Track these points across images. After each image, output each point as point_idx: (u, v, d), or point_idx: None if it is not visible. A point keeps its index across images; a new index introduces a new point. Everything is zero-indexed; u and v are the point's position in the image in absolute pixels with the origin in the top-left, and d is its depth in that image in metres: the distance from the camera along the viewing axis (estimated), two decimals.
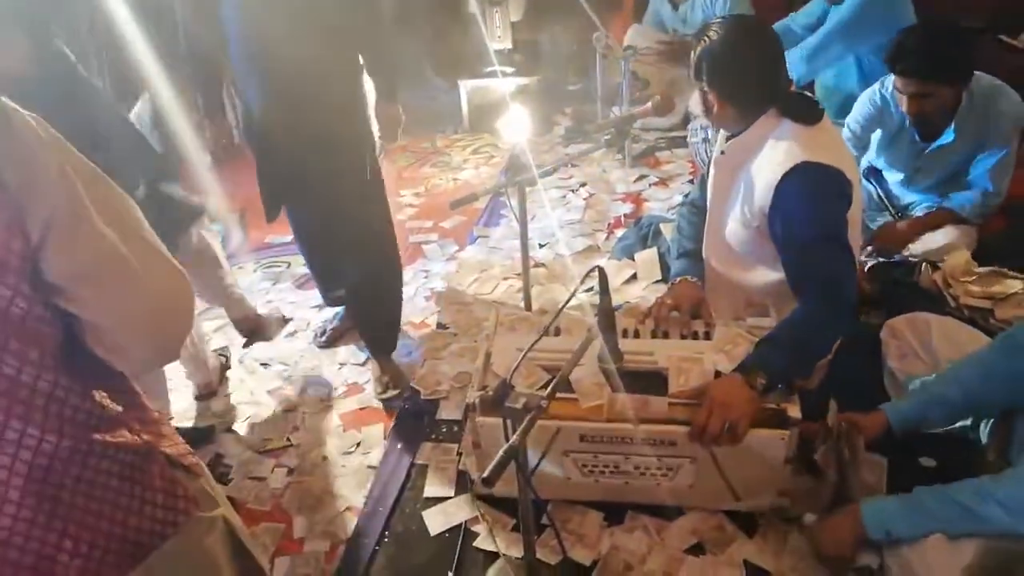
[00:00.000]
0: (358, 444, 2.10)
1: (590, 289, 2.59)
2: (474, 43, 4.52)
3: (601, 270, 1.58)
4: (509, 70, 4.51)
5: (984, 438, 1.72)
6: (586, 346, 1.55)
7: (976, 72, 2.30)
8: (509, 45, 4.42)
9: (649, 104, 2.04)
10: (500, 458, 1.32)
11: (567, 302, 1.56)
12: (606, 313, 1.63)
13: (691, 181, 3.32)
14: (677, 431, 1.61)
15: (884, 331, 2.10)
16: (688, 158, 3.51)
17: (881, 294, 2.26)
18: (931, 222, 2.41)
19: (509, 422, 1.37)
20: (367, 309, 2.36)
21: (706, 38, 1.71)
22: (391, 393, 2.27)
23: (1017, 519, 1.34)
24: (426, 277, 2.95)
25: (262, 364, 2.49)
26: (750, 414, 1.55)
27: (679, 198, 3.21)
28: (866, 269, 2.36)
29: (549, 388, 1.43)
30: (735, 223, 1.87)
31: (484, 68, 4.49)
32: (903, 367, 1.98)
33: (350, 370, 2.42)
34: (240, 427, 2.22)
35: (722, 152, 1.88)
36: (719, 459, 1.64)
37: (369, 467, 2.01)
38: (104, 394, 0.89)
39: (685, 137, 3.53)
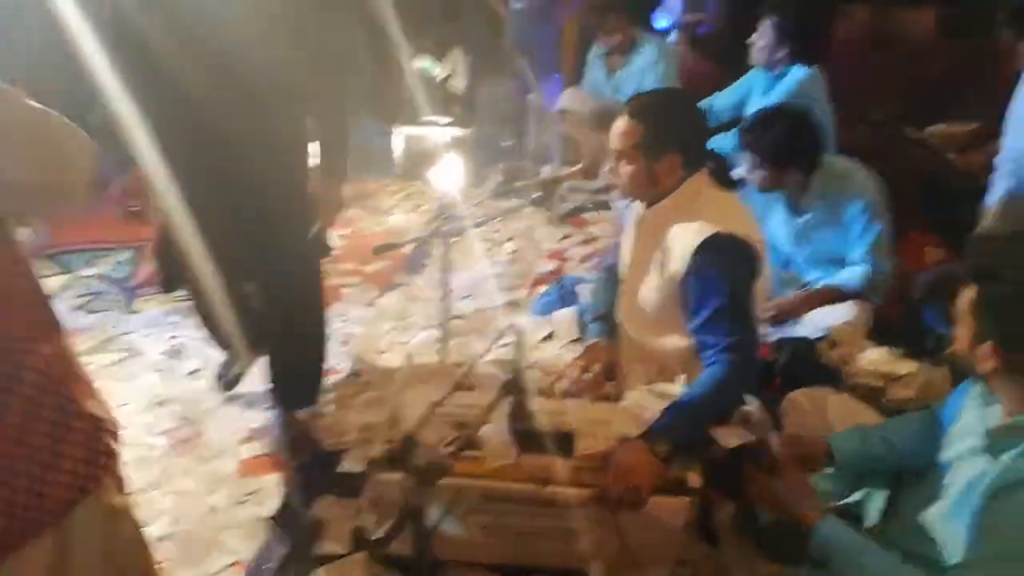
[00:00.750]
0: (252, 493, 2.00)
1: (507, 345, 2.61)
2: (412, 90, 4.55)
3: (517, 328, 1.58)
4: (446, 120, 4.56)
5: (871, 510, 1.76)
6: (495, 404, 1.54)
7: (831, 156, 2.54)
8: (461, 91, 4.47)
9: (577, 167, 2.08)
10: (397, 519, 1.28)
11: (482, 357, 1.54)
12: (518, 372, 1.62)
13: (615, 243, 3.38)
14: (581, 495, 1.59)
15: (784, 404, 2.16)
16: (614, 220, 3.58)
17: (784, 367, 2.33)
18: (818, 298, 2.53)
19: (412, 480, 1.33)
20: (287, 359, 2.23)
21: (643, 104, 1.79)
22: (293, 453, 2.14)
23: None
24: (343, 322, 2.89)
25: (158, 403, 2.37)
26: (652, 480, 1.55)
27: (602, 259, 3.26)
28: (771, 341, 2.43)
29: (455, 446, 1.41)
30: (650, 288, 1.91)
31: (421, 116, 4.53)
32: None
33: (253, 414, 2.32)
34: (127, 468, 2.08)
35: (641, 218, 1.92)
36: (621, 524, 1.63)
37: (262, 519, 1.91)
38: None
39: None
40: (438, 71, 4.65)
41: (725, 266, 1.74)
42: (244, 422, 2.29)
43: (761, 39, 2.90)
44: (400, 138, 4.60)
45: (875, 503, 1.74)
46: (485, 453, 1.64)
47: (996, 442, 1.32)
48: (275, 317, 2.13)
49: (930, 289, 2.72)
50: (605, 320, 2.05)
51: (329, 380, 2.48)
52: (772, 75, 2.94)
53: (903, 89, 4.62)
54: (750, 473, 1.57)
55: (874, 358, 2.23)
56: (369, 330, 2.75)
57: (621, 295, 2.03)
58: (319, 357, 2.29)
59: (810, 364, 2.30)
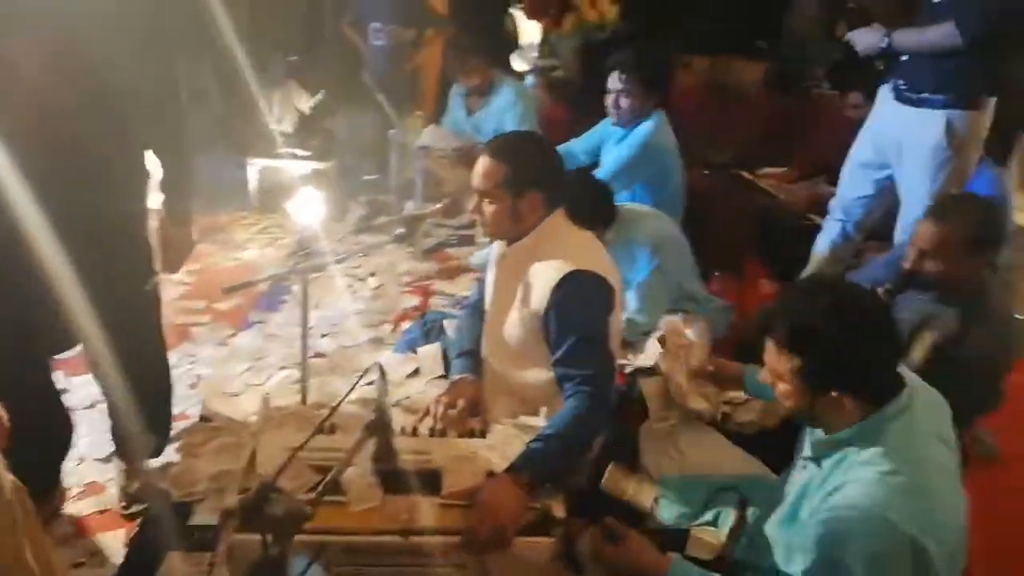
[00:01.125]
0: (92, 555, 1.84)
1: (372, 383, 2.56)
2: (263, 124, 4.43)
3: (380, 367, 1.56)
4: (303, 153, 4.46)
5: (724, 526, 1.87)
6: (359, 446, 1.50)
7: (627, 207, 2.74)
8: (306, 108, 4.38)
9: (439, 205, 2.10)
10: (261, 565, 1.22)
11: (343, 399, 1.51)
12: (383, 411, 1.59)
13: (477, 279, 3.42)
14: (447, 542, 1.58)
15: (641, 433, 2.27)
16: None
17: (640, 397, 2.44)
18: None
19: (269, 532, 1.27)
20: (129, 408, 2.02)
21: (503, 145, 1.86)
22: (138, 508, 2.00)
23: None
24: (192, 363, 2.73)
25: None
26: (517, 515, 1.57)
27: (466, 295, 3.29)
28: (625, 372, 2.54)
29: (316, 492, 1.36)
30: (512, 324, 1.95)
31: (277, 148, 4.40)
32: (657, 465, 2.14)
33: (89, 466, 2.13)
34: None
35: (503, 255, 1.96)
36: (488, 566, 1.63)
37: None
38: None
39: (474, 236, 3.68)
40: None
41: (583, 302, 1.81)
42: (79, 476, 2.10)
43: (611, 98, 3.06)
44: (255, 170, 4.45)
45: (725, 520, 1.85)
46: (349, 497, 1.59)
47: (819, 453, 1.44)
48: (111, 374, 1.94)
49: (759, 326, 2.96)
50: (470, 355, 2.07)
51: (177, 426, 2.33)
52: (623, 128, 3.13)
53: (736, 136, 5.04)
54: (596, 547, 1.60)
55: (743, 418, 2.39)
56: (221, 371, 2.62)
57: (485, 330, 2.05)
58: (164, 404, 2.14)
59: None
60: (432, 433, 1.83)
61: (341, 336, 2.86)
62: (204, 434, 2.24)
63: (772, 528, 1.58)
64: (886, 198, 2.81)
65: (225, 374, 2.60)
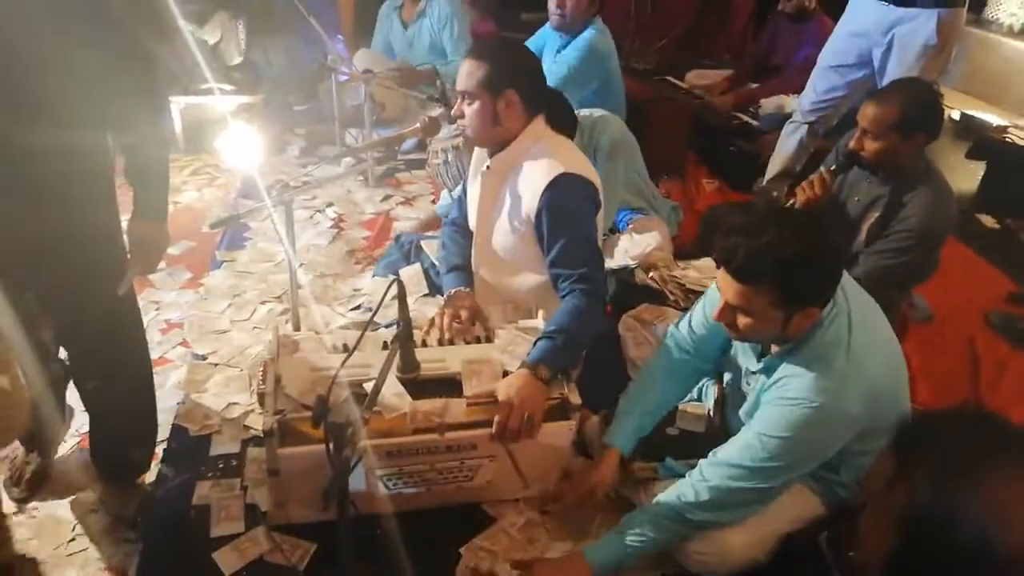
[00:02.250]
0: None
1: (357, 307, 2.62)
2: (185, 58, 4.22)
3: (400, 282, 1.63)
4: (228, 88, 4.29)
5: (707, 401, 2.07)
6: (392, 357, 1.59)
7: (584, 112, 2.80)
8: (234, 62, 4.22)
9: (418, 124, 2.13)
10: (338, 471, 1.31)
11: (373, 316, 1.59)
12: (405, 323, 1.68)
13: (433, 201, 3.47)
14: (478, 435, 1.71)
15: (620, 326, 2.44)
16: (428, 179, 3.65)
17: (614, 296, 2.60)
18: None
19: (331, 440, 1.36)
20: (114, 432, 1.87)
21: (483, 46, 1.91)
22: (128, 539, 1.80)
23: (718, 517, 1.59)
24: (158, 309, 2.71)
25: None
26: (543, 405, 1.71)
27: (425, 216, 3.34)
28: None
29: (367, 400, 1.46)
30: (502, 232, 2.04)
31: (199, 85, 4.22)
32: (640, 354, 2.33)
33: None
34: None
35: (487, 167, 2.03)
36: (515, 454, 1.77)
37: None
38: None
39: (423, 159, 3.68)
40: (208, 36, 4.36)
41: (572, 203, 1.92)
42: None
43: (554, 1, 3.09)
44: (177, 110, 4.26)
45: (709, 395, 2.06)
46: (381, 407, 1.69)
47: (771, 364, 1.61)
48: (92, 387, 1.79)
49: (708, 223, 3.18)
50: (460, 270, 2.16)
51: (159, 371, 2.34)
52: (565, 35, 3.16)
53: (660, 42, 5.14)
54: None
55: (687, 274, 2.58)
56: (200, 312, 2.61)
57: (475, 243, 2.14)
58: (150, 419, 1.94)
59: (635, 288, 2.60)
60: (441, 343, 1.93)
61: (315, 266, 2.88)
62: (203, 371, 2.28)
63: (743, 417, 1.74)
64: (857, 95, 2.98)
65: (206, 314, 2.59)
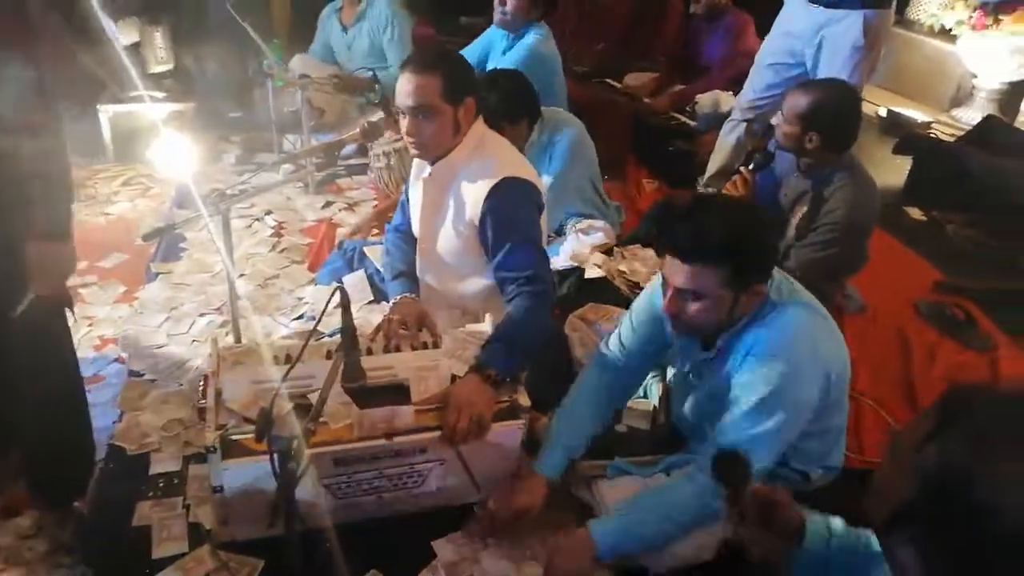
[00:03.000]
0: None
1: (300, 317, 2.57)
2: (113, 64, 4.09)
3: (343, 290, 1.61)
4: (159, 95, 4.18)
5: (652, 398, 2.10)
6: (338, 366, 1.56)
7: (546, 109, 2.81)
8: (170, 66, 4.10)
9: (358, 129, 2.10)
10: (284, 485, 1.29)
11: (315, 328, 1.56)
12: (350, 332, 1.65)
13: (376, 207, 3.43)
14: (427, 438, 1.69)
15: (566, 326, 2.46)
16: (370, 184, 3.61)
17: (562, 298, 2.62)
18: None
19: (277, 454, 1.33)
20: (43, 444, 1.76)
21: (428, 57, 1.87)
22: (65, 564, 1.72)
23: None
24: (90, 325, 2.62)
25: None
26: (491, 407, 1.71)
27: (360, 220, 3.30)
28: None
29: (312, 411, 1.43)
30: (446, 237, 2.03)
31: (128, 92, 4.09)
32: (586, 354, 2.34)
33: None
34: None
35: (429, 175, 2.02)
36: (465, 456, 1.76)
37: None
38: None
39: (364, 164, 3.64)
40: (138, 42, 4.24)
41: (516, 207, 1.92)
42: None
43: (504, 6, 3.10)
44: (105, 118, 4.12)
45: (654, 392, 2.09)
46: (327, 417, 1.66)
47: (725, 344, 1.64)
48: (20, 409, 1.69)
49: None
50: (406, 276, 2.14)
51: (92, 388, 2.26)
52: (510, 36, 3.18)
53: (598, 45, 5.20)
54: None
55: (635, 267, 2.62)
56: (137, 326, 2.53)
57: (419, 250, 2.12)
58: (84, 439, 1.86)
59: (581, 289, 2.62)
60: (387, 350, 1.91)
61: (255, 276, 2.81)
62: (140, 388, 2.21)
63: (689, 413, 1.79)
64: None
65: (143, 328, 2.51)
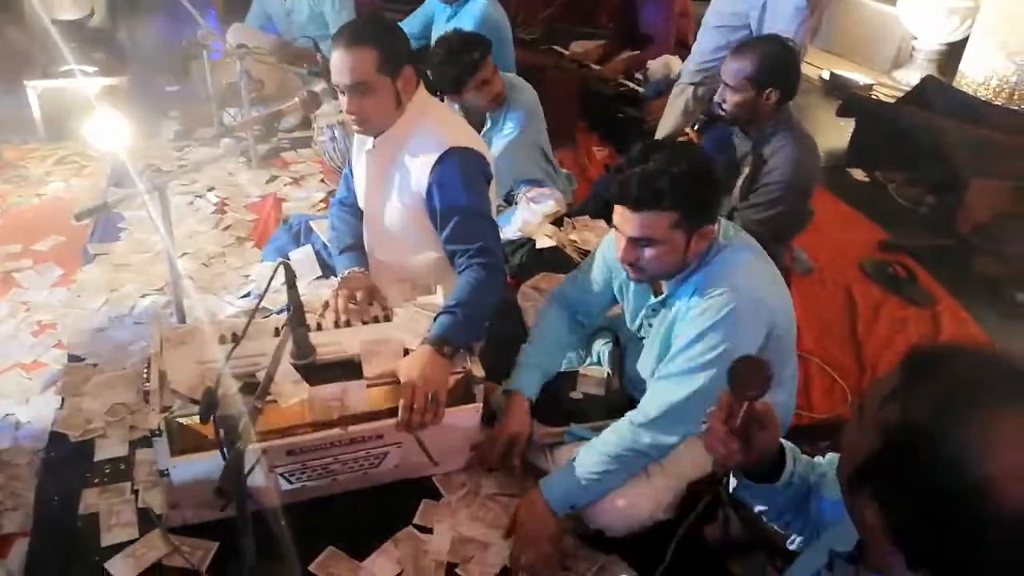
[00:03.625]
0: None
1: (247, 295, 2.51)
2: (38, 37, 3.90)
3: (287, 266, 1.57)
4: (90, 69, 3.99)
5: (605, 364, 2.11)
6: (285, 343, 1.53)
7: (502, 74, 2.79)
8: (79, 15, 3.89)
9: (296, 99, 2.04)
10: (229, 465, 1.26)
11: (258, 305, 1.52)
12: (296, 308, 1.61)
13: (323, 180, 3.36)
14: (384, 425, 1.67)
15: (519, 296, 2.45)
16: (315, 158, 3.53)
17: (517, 267, 2.61)
18: None
19: (222, 435, 1.29)
20: None
21: (361, 30, 1.81)
22: None
23: (669, 433, 1.62)
24: (27, 311, 2.52)
25: None
26: (446, 380, 1.70)
27: (316, 195, 3.22)
28: None
29: (259, 389, 1.39)
30: (393, 211, 2.00)
31: (57, 67, 3.90)
32: None
33: None
34: None
35: (373, 147, 1.97)
36: (422, 438, 1.75)
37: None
38: None
39: (308, 137, 3.55)
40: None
41: (463, 178, 1.88)
42: None
43: None
44: (34, 95, 3.93)
45: (606, 358, 2.09)
46: (276, 395, 1.62)
47: (672, 292, 1.67)
48: None
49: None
50: (353, 249, 2.10)
51: (36, 374, 2.18)
52: (453, 4, 3.11)
53: (545, 11, 5.15)
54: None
55: (585, 236, 2.63)
56: (75, 309, 2.44)
57: (366, 223, 2.08)
58: None
59: (533, 259, 2.61)
60: (337, 326, 1.87)
61: (199, 255, 2.73)
62: (82, 373, 2.14)
63: (644, 369, 1.79)
64: None
65: (80, 311, 2.42)
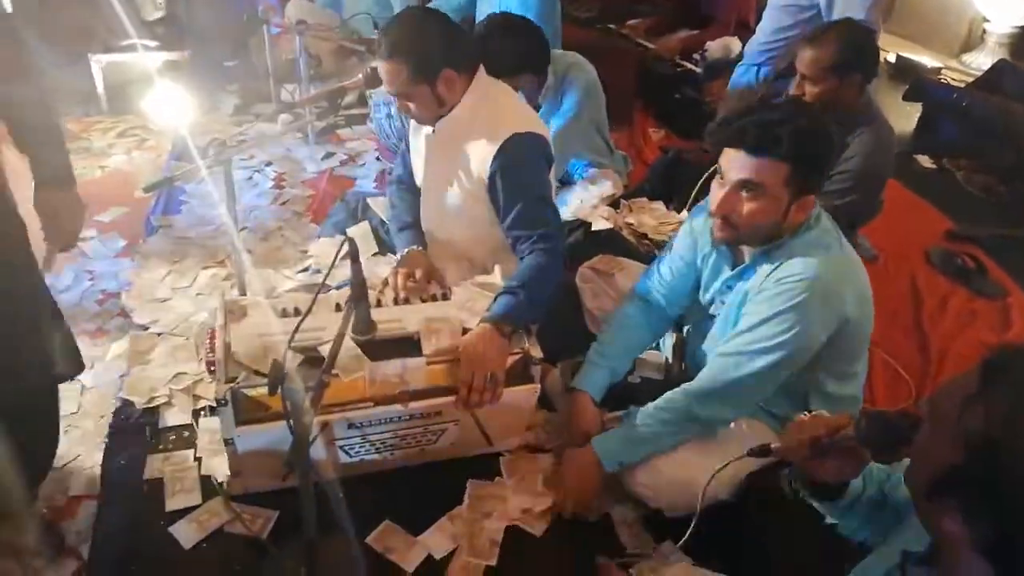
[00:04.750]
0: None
1: (305, 269, 2.54)
2: (103, 12, 3.97)
3: (351, 240, 1.57)
4: (152, 44, 4.06)
5: (666, 350, 2.09)
6: (348, 318, 1.54)
7: (559, 52, 2.76)
8: (161, 13, 3.98)
9: (360, 76, 2.04)
10: (298, 437, 1.27)
11: (323, 281, 1.53)
12: (359, 284, 1.62)
13: (378, 158, 3.37)
14: (443, 402, 1.68)
15: (577, 278, 2.43)
16: (369, 135, 3.54)
17: (571, 247, 2.58)
18: None
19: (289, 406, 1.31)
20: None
21: (395, 42, 1.78)
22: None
23: (721, 408, 1.63)
24: (92, 280, 2.58)
25: None
26: (504, 360, 1.69)
27: (372, 173, 3.24)
28: None
29: (325, 363, 1.41)
30: (453, 194, 1.99)
31: (119, 41, 3.98)
32: (597, 305, 2.32)
33: None
34: None
35: (433, 132, 1.96)
36: (479, 416, 1.75)
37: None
38: None
39: (364, 114, 3.56)
40: None
41: (527, 164, 1.87)
42: None
43: None
44: (97, 68, 4.02)
45: (667, 343, 2.07)
46: (338, 370, 1.64)
47: (757, 260, 1.63)
48: None
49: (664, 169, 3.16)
50: (411, 228, 2.10)
51: (98, 343, 2.24)
52: None
53: None
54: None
55: (642, 219, 2.59)
56: (140, 280, 2.49)
57: (424, 204, 2.08)
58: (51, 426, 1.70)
59: (591, 240, 2.58)
60: (396, 303, 1.88)
61: (258, 229, 2.77)
62: (146, 342, 2.19)
63: (710, 347, 1.77)
64: (806, 34, 2.98)
65: (145, 282, 2.48)
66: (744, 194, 1.52)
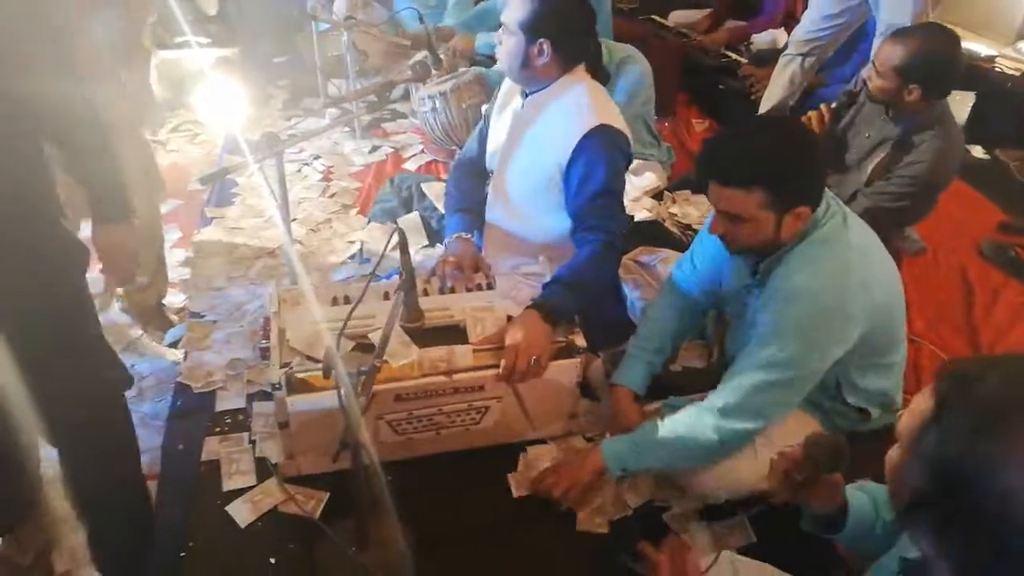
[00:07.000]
0: None
1: (353, 256, 2.61)
2: (159, 10, 4.08)
3: (401, 231, 1.62)
4: (205, 40, 4.17)
5: (710, 336, 2.09)
6: (399, 306, 1.58)
7: (613, 43, 2.78)
8: (213, 11, 4.09)
9: (408, 71, 2.08)
10: (351, 420, 1.32)
11: (376, 267, 1.57)
12: (408, 272, 1.67)
13: (423, 151, 3.42)
14: (485, 375, 1.71)
15: (620, 269, 2.44)
16: (415, 128, 3.59)
17: None
18: None
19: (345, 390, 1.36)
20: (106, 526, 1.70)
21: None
22: None
23: (733, 420, 1.59)
24: None
25: None
26: (549, 347, 1.71)
27: (413, 166, 3.29)
28: None
29: (377, 348, 1.46)
30: (526, 173, 2.01)
31: (173, 38, 4.10)
32: (641, 295, 2.33)
33: None
34: None
35: (520, 108, 2.00)
36: (521, 394, 1.78)
37: None
38: None
39: (410, 109, 3.62)
40: None
41: (608, 156, 1.88)
42: None
43: None
44: (153, 64, 4.14)
45: (709, 331, 2.07)
46: (388, 356, 1.68)
47: (767, 268, 1.62)
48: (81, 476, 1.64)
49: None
50: (464, 213, 2.13)
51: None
52: None
53: None
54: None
55: (687, 211, 2.59)
56: (196, 269, 2.58)
57: (494, 183, 2.10)
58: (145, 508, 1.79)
59: (633, 231, 2.59)
60: (442, 292, 1.92)
61: (307, 221, 2.84)
62: (202, 328, 2.27)
63: (742, 344, 1.74)
64: (855, 24, 2.98)
65: (202, 270, 2.56)
66: (729, 222, 1.54)
